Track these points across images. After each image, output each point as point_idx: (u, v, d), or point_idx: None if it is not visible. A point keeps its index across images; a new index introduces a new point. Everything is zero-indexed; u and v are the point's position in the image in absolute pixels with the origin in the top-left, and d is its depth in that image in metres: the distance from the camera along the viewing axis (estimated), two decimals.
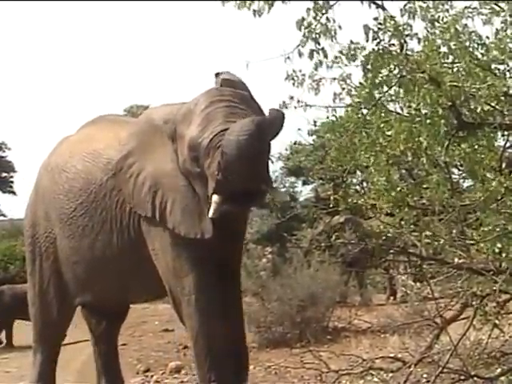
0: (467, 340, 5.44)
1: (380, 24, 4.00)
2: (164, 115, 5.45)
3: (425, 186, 4.91)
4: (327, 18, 4.01)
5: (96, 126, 6.29)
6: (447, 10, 4.21)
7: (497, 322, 5.05)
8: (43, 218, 6.25)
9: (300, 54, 4.08)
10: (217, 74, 5.21)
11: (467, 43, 4.17)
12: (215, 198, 4.81)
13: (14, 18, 48.35)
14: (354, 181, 8.66)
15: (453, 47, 4.11)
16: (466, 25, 4.21)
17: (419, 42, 4.12)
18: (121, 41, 52.14)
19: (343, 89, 4.44)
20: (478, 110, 4.21)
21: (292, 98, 4.79)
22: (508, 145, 4.88)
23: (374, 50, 4.01)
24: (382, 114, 4.26)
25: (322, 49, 4.04)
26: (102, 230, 5.76)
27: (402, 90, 4.12)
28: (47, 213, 6.20)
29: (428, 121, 4.08)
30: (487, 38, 4.25)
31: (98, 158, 5.89)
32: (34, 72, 46.92)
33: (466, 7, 4.23)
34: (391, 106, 4.35)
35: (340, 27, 4.03)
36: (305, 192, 22.57)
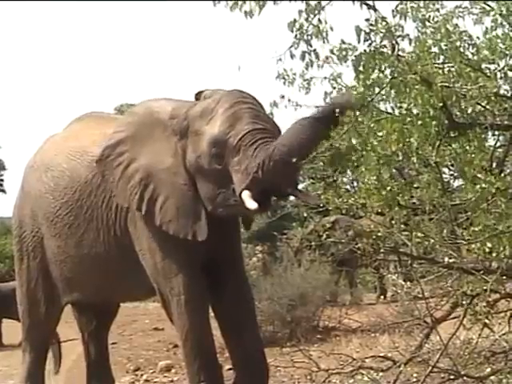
0: (457, 339, 5.45)
1: (372, 25, 4.00)
2: (171, 110, 5.40)
3: (415, 185, 4.90)
4: (319, 20, 4.00)
5: (82, 124, 6.25)
6: (438, 10, 4.20)
7: (487, 321, 5.04)
8: (30, 217, 6.22)
9: (292, 56, 4.08)
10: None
11: (458, 43, 4.16)
12: (246, 193, 4.82)
13: (4, 16, 48.21)
14: (345, 180, 8.67)
15: (443, 47, 4.11)
16: (456, 24, 4.20)
17: (410, 43, 4.12)
18: (112, 40, 52.09)
19: (334, 88, 4.43)
20: (469, 111, 4.22)
21: (283, 97, 4.77)
22: (498, 145, 4.89)
23: (365, 51, 4.00)
24: (374, 114, 4.25)
25: (314, 50, 4.03)
26: (88, 229, 5.73)
27: (393, 91, 4.11)
28: (33, 212, 6.17)
29: (419, 122, 4.08)
30: (477, 38, 4.24)
31: (83, 155, 5.86)
32: (25, 71, 46.85)
33: (456, 6, 4.22)
34: (382, 106, 4.34)
35: (332, 29, 4.02)
36: None
